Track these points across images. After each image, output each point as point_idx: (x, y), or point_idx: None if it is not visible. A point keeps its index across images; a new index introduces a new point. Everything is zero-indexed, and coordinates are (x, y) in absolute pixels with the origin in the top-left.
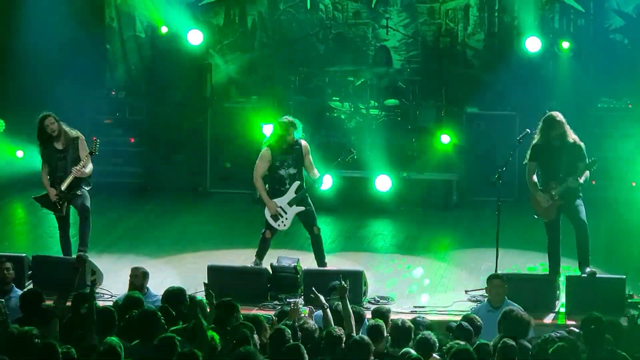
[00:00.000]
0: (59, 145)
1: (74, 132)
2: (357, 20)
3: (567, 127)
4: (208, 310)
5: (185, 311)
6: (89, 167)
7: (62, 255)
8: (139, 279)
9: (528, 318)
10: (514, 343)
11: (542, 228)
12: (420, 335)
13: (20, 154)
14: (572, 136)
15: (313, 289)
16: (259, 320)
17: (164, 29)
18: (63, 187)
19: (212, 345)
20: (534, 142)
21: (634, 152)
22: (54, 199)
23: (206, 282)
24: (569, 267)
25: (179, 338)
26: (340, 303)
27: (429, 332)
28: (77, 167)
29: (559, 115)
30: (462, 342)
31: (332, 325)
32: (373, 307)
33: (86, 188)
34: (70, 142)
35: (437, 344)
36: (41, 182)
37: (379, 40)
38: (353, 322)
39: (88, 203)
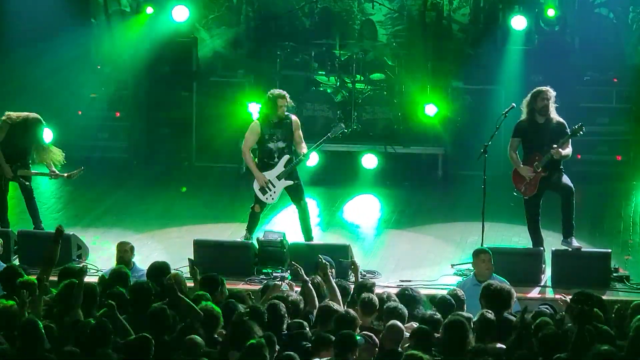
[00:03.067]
0: (20, 125)
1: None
2: None
3: (552, 103)
4: (193, 284)
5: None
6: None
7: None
8: (128, 253)
9: (508, 289)
10: (492, 316)
11: None
12: (387, 305)
13: None
14: (556, 116)
15: (293, 262)
16: (242, 296)
17: (149, 10)
18: (20, 174)
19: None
20: (520, 119)
21: (620, 126)
22: (8, 177)
23: (191, 257)
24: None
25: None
26: (315, 276)
27: (397, 302)
28: (53, 172)
29: (545, 89)
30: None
31: (314, 298)
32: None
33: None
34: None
35: (406, 313)
36: None
37: (364, 14)
38: (339, 296)
39: (29, 182)
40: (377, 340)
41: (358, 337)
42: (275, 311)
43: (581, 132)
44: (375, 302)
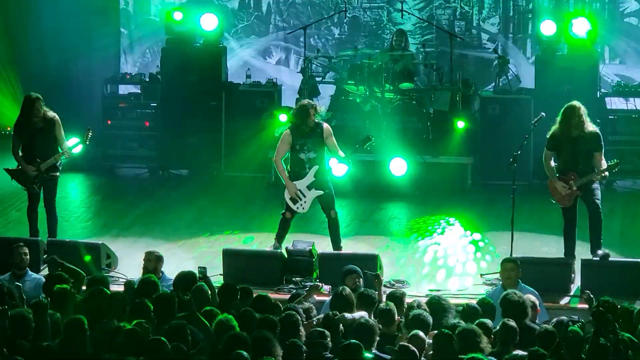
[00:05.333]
0: (38, 123)
1: (51, 113)
2: (372, 4)
3: (586, 117)
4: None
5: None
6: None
7: (29, 234)
8: (152, 263)
9: (523, 299)
10: (514, 324)
11: (556, 211)
12: (412, 314)
13: None
14: (590, 127)
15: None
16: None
17: (178, 16)
18: (43, 168)
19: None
20: (552, 131)
21: None
22: (33, 175)
23: (204, 266)
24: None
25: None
26: (344, 287)
27: (422, 310)
28: (66, 150)
29: (579, 105)
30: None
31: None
32: (388, 290)
33: (57, 174)
34: (49, 122)
35: (430, 321)
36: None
37: (394, 24)
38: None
39: (54, 195)
40: (416, 350)
41: (367, 354)
42: (289, 320)
43: (615, 170)
44: (393, 311)
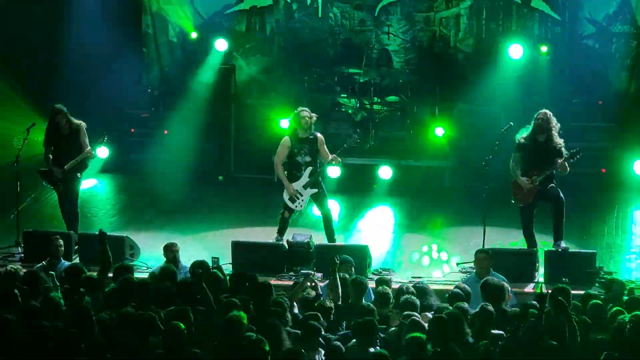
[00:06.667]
0: (64, 131)
1: (77, 121)
2: (362, 27)
3: (552, 123)
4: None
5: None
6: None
7: (66, 229)
8: (176, 253)
9: (501, 284)
10: (491, 308)
11: None
12: (403, 298)
13: None
14: (556, 137)
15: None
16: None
17: (193, 35)
18: (67, 167)
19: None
20: (522, 136)
21: (604, 142)
22: (59, 177)
23: (217, 257)
24: (545, 243)
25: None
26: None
27: (411, 295)
28: (88, 149)
29: (542, 111)
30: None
31: (339, 292)
32: (376, 277)
33: (79, 175)
34: (74, 130)
35: (418, 304)
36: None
37: (381, 44)
38: (340, 292)
39: (76, 193)
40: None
41: None
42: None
43: (577, 157)
44: (389, 295)
